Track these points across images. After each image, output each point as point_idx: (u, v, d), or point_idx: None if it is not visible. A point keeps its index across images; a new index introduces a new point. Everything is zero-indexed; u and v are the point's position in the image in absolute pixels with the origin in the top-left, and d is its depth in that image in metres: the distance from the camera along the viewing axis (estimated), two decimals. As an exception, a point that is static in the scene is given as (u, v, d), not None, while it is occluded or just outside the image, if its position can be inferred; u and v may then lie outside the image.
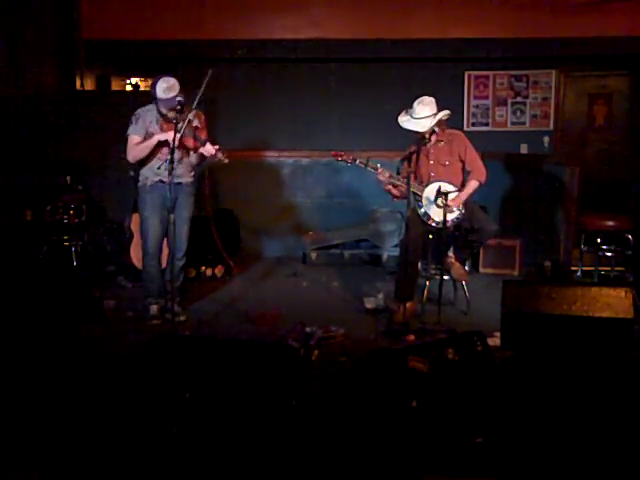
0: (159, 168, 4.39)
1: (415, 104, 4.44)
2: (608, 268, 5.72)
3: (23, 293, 4.87)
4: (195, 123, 4.42)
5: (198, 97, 4.17)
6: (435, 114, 4.41)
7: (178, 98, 4.14)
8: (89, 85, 7.01)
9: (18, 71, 6.13)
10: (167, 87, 4.22)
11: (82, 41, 6.78)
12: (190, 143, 4.41)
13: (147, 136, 4.38)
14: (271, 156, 7.02)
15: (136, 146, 4.39)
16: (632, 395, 3.08)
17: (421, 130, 4.41)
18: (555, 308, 3.47)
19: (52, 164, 6.20)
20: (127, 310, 4.76)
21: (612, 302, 3.42)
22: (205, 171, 5.29)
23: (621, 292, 3.44)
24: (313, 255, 6.56)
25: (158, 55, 6.92)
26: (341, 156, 4.59)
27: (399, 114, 4.52)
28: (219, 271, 5.93)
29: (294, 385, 2.81)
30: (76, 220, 5.98)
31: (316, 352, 3.87)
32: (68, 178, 6.16)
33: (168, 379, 2.82)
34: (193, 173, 4.60)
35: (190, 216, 4.57)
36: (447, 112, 4.46)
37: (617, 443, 2.71)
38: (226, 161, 4.39)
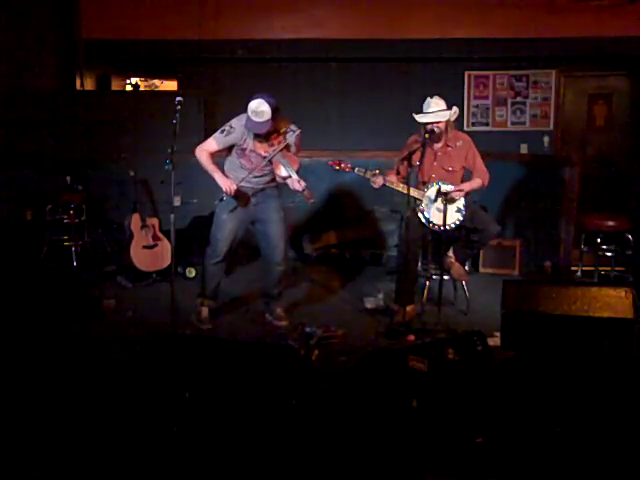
0: (241, 180, 4.21)
1: (429, 99, 4.44)
2: (608, 268, 5.72)
3: (23, 293, 4.87)
4: (291, 143, 4.12)
5: None
6: (448, 109, 4.45)
7: (265, 128, 4.02)
8: (89, 85, 7.01)
9: (18, 71, 6.14)
10: (254, 111, 4.00)
11: (82, 41, 6.79)
12: (278, 170, 4.11)
13: (237, 149, 4.21)
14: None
15: (208, 154, 4.19)
16: (632, 395, 3.08)
17: (442, 120, 4.41)
18: (555, 308, 3.46)
19: (52, 164, 6.20)
20: (127, 310, 4.76)
21: (612, 302, 3.41)
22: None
23: (621, 292, 3.43)
24: (313, 255, 6.55)
25: (158, 55, 6.91)
26: (339, 165, 4.54)
27: (414, 114, 4.44)
28: (219, 271, 5.91)
29: (294, 385, 2.81)
30: (76, 220, 5.98)
31: (316, 352, 3.87)
32: (68, 178, 6.15)
33: (168, 379, 2.82)
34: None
35: (281, 217, 4.45)
36: (456, 109, 4.49)
37: (617, 443, 2.71)
38: (311, 201, 4.09)
